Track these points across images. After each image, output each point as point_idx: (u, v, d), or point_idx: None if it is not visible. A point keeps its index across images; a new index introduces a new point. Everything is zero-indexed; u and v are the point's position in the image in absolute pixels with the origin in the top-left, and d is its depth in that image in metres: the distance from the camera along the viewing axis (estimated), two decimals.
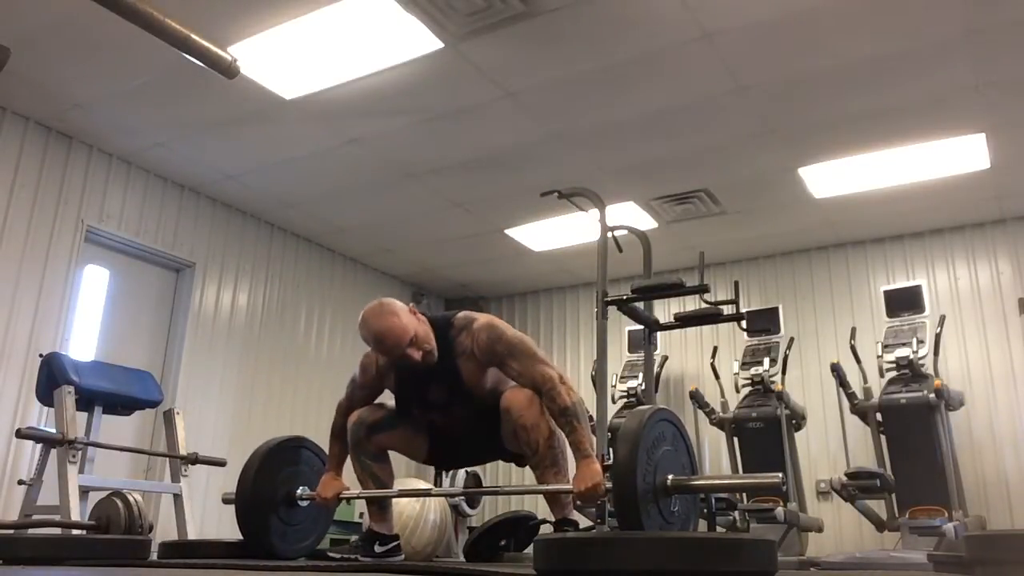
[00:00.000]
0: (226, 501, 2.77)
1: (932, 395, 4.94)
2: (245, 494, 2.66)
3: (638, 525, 1.96)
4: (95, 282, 5.19)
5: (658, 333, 4.31)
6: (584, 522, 2.73)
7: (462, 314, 2.62)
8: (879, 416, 5.19)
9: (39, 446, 3.57)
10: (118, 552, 2.38)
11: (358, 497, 2.67)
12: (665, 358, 6.23)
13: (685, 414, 6.32)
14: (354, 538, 2.76)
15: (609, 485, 2.16)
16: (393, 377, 2.68)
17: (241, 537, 2.68)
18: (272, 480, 2.73)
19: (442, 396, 2.61)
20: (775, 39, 3.96)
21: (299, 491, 2.76)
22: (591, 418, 5.62)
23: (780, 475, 2.14)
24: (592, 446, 2.35)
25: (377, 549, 2.63)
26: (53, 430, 3.44)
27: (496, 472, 7.25)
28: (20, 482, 3.63)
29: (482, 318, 2.59)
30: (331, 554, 2.57)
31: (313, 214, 6.05)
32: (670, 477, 2.12)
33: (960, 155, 5.01)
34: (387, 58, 4.11)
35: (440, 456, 2.81)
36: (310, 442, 2.95)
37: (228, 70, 3.87)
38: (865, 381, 5.38)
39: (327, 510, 2.84)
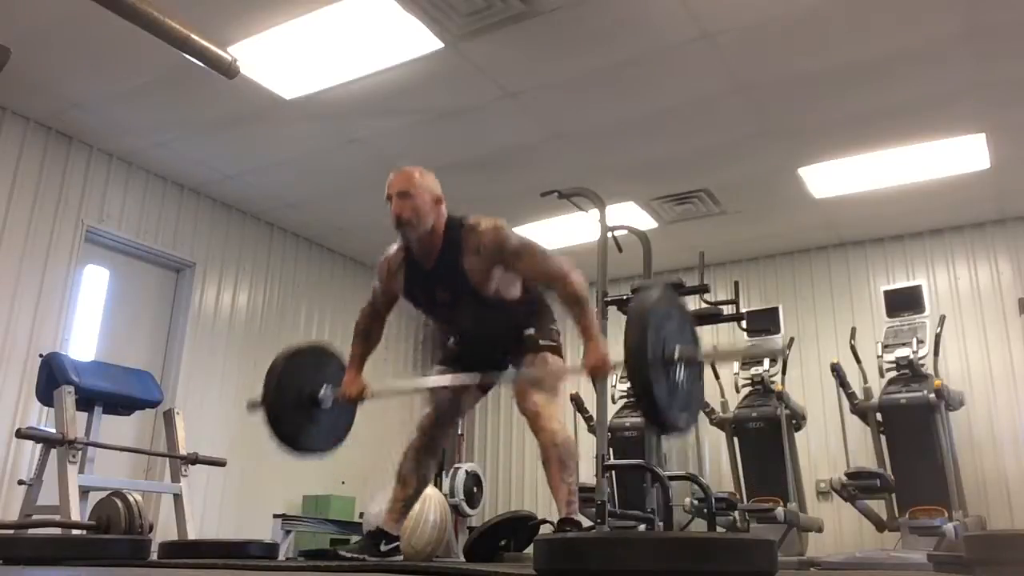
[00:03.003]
0: (251, 406, 2.81)
1: (932, 395, 4.94)
2: (272, 395, 2.75)
3: (649, 392, 2.13)
4: (95, 282, 5.19)
5: None
6: (585, 521, 2.74)
7: (473, 216, 2.66)
8: (879, 416, 5.19)
9: (39, 446, 3.57)
10: (118, 552, 2.38)
11: (383, 395, 2.78)
12: None
13: None
14: (356, 539, 2.77)
15: (617, 360, 2.32)
16: (401, 278, 2.72)
17: (245, 538, 2.69)
18: (296, 381, 2.80)
19: (447, 295, 2.64)
20: (775, 39, 3.96)
21: (323, 391, 2.81)
22: (590, 417, 5.63)
23: (779, 341, 2.29)
24: (599, 330, 2.52)
25: (382, 548, 2.65)
26: (53, 430, 3.44)
27: (496, 472, 7.26)
28: (20, 482, 3.63)
29: (490, 220, 2.64)
30: (342, 552, 2.59)
31: (313, 214, 6.05)
32: (677, 347, 2.26)
33: (960, 155, 5.01)
34: (387, 58, 4.11)
35: (461, 354, 2.82)
36: (330, 346, 3.04)
37: (228, 70, 3.88)
38: (865, 381, 5.37)
39: (350, 409, 2.91)
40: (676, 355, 2.25)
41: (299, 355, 2.89)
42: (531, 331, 2.69)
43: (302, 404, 2.81)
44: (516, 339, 2.71)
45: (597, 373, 2.49)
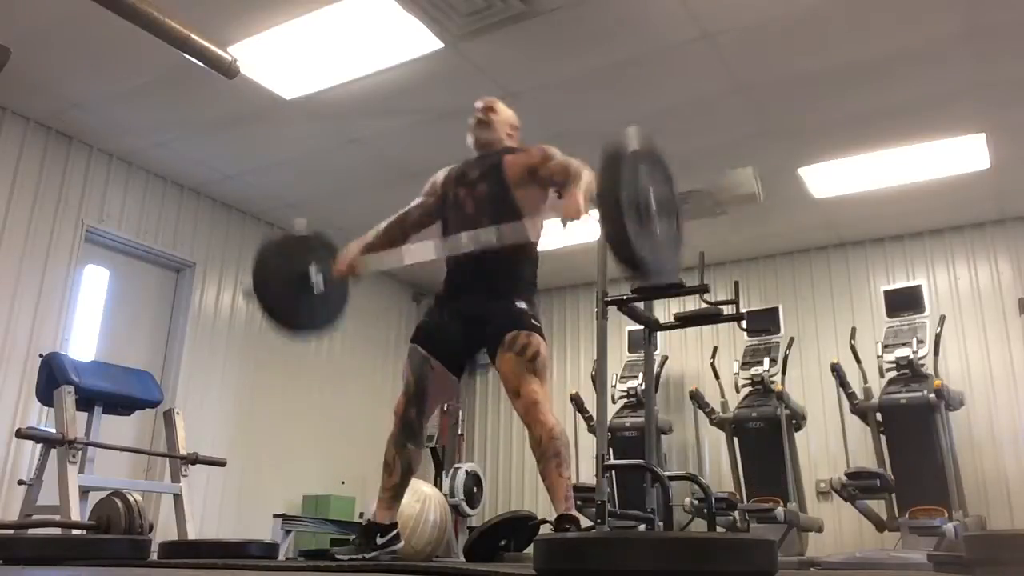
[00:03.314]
0: (246, 294, 2.89)
1: (932, 395, 4.94)
2: (263, 276, 2.83)
3: (624, 238, 2.17)
4: (95, 282, 5.20)
5: (658, 333, 4.31)
6: (585, 521, 2.73)
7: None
8: (879, 416, 5.19)
9: (39, 446, 3.57)
10: (118, 552, 2.38)
11: (373, 268, 2.90)
12: (665, 358, 6.23)
13: (685, 414, 6.33)
14: (353, 537, 2.76)
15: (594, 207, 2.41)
16: (445, 188, 2.88)
17: (245, 538, 2.68)
18: (287, 263, 2.88)
19: (477, 173, 2.81)
20: (775, 39, 3.96)
21: (312, 269, 2.88)
22: (590, 417, 5.63)
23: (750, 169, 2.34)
24: (588, 189, 2.53)
25: (379, 540, 2.62)
26: (53, 430, 3.43)
27: (496, 472, 7.26)
28: (20, 482, 3.63)
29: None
30: (339, 556, 2.57)
31: (313, 214, 6.02)
32: (651, 189, 2.33)
33: (960, 155, 5.01)
34: (387, 58, 4.11)
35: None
36: (322, 234, 3.09)
37: (228, 70, 3.88)
38: (865, 381, 5.38)
39: (343, 289, 2.98)
40: (649, 196, 2.33)
41: (290, 240, 3.01)
42: (523, 305, 2.68)
43: (294, 285, 2.86)
44: (506, 294, 2.70)
45: (571, 213, 2.53)
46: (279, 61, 4.16)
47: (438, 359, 2.73)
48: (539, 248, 2.88)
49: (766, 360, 5.67)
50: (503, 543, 2.99)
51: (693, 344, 6.66)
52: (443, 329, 2.75)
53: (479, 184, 2.81)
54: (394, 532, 2.69)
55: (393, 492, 2.70)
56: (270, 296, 2.83)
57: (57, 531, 3.17)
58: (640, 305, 3.77)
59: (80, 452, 3.46)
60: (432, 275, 8.40)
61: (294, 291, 2.84)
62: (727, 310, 3.70)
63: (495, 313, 2.68)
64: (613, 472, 4.95)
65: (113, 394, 3.79)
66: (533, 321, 2.67)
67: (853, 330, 5.55)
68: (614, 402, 6.10)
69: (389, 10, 3.74)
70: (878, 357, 5.28)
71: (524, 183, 2.76)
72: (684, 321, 3.79)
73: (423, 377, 2.72)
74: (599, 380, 3.70)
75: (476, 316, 2.70)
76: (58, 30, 3.98)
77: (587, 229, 2.75)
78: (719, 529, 4.81)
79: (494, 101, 2.97)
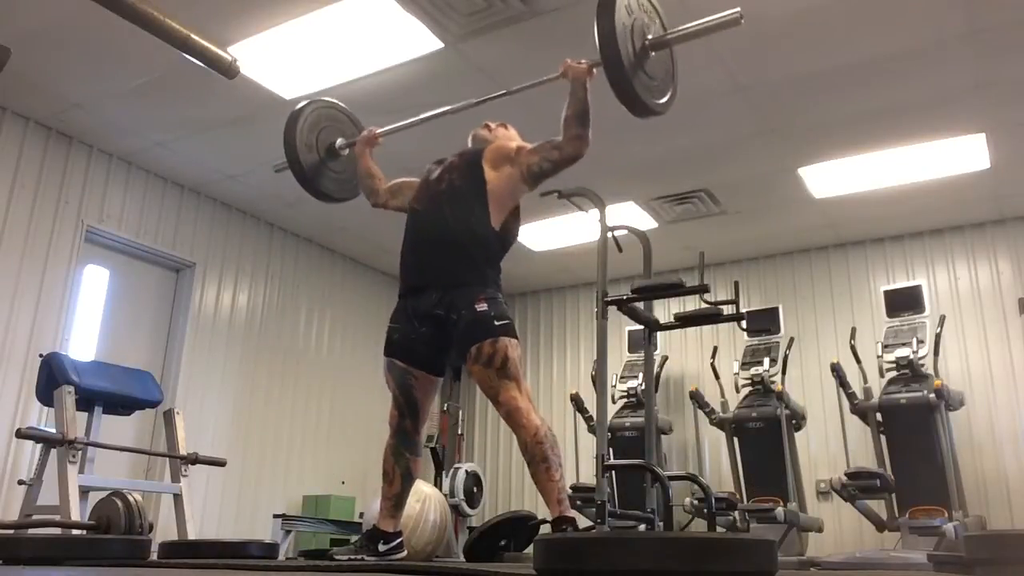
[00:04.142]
0: (278, 169, 3.28)
1: (932, 395, 4.94)
2: (293, 147, 3.20)
3: (631, 90, 2.56)
4: (95, 282, 5.20)
5: (658, 333, 4.31)
6: (584, 521, 2.73)
7: None
8: (879, 416, 5.19)
9: (39, 446, 3.57)
10: (118, 552, 2.38)
11: (391, 132, 3.21)
12: (665, 358, 6.23)
13: (685, 414, 6.33)
14: (355, 538, 2.75)
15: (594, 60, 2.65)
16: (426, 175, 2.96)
17: (245, 538, 2.68)
18: (313, 135, 3.26)
19: (457, 156, 2.91)
20: (775, 39, 3.96)
21: (338, 141, 3.28)
22: (590, 417, 5.63)
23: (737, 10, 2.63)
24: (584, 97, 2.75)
25: (381, 548, 2.62)
26: (53, 430, 3.43)
27: (496, 472, 7.26)
28: (20, 482, 3.63)
29: None
30: (337, 556, 2.57)
31: (313, 214, 6.05)
32: (648, 37, 2.62)
33: (960, 155, 5.01)
34: (387, 58, 4.11)
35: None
36: (343, 106, 3.44)
37: (228, 70, 3.87)
38: (865, 381, 5.38)
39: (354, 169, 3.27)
40: (647, 40, 2.59)
41: (317, 108, 3.33)
42: (483, 306, 2.57)
43: (320, 153, 3.25)
44: (464, 285, 2.64)
45: (573, 72, 2.75)
46: (279, 61, 4.16)
47: (416, 367, 2.69)
48: (514, 241, 2.85)
49: (766, 360, 5.67)
50: (503, 543, 2.99)
51: (693, 344, 6.67)
52: (411, 336, 2.69)
53: (454, 161, 2.88)
54: (397, 541, 2.69)
55: (394, 501, 2.70)
56: (299, 161, 3.17)
57: (57, 531, 3.17)
58: (640, 305, 3.77)
59: (80, 452, 3.46)
60: None
61: (322, 157, 3.24)
62: (727, 310, 3.69)
63: (459, 319, 2.59)
64: (613, 472, 4.95)
65: (113, 394, 3.79)
66: (496, 323, 2.56)
67: (853, 330, 5.55)
68: (614, 402, 6.10)
69: (389, 10, 3.74)
70: (878, 357, 5.28)
71: (500, 162, 2.81)
72: (684, 321, 3.79)
73: (408, 388, 2.70)
74: (599, 380, 3.70)
75: (438, 316, 2.62)
76: (58, 30, 3.97)
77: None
78: (719, 529, 4.81)
79: (506, 124, 3.10)
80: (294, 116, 3.26)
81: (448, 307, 2.61)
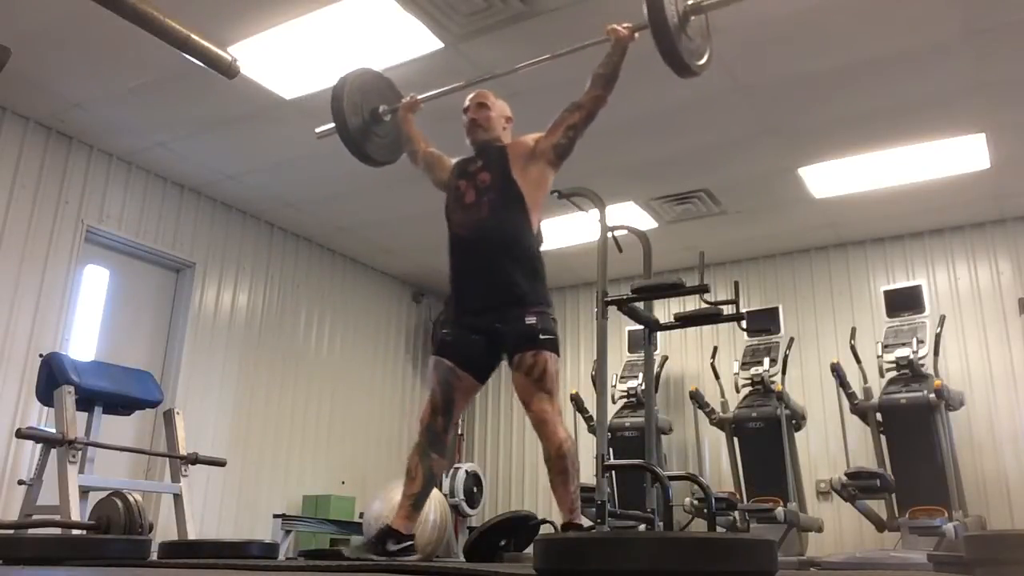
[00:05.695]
0: (320, 135, 3.43)
1: (932, 395, 4.94)
2: (341, 112, 3.31)
3: (676, 51, 2.74)
4: (95, 282, 5.19)
5: (658, 333, 4.31)
6: (585, 521, 2.74)
7: None
8: (879, 416, 5.19)
9: (39, 446, 3.57)
10: (118, 552, 2.38)
11: (430, 99, 3.35)
12: (665, 358, 6.23)
13: (685, 414, 6.33)
14: (355, 538, 2.75)
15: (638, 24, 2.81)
16: (452, 171, 3.06)
17: (245, 538, 2.68)
18: (359, 99, 3.39)
19: (479, 164, 2.96)
20: (775, 39, 3.96)
21: (381, 108, 3.40)
22: (590, 417, 5.63)
23: None
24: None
25: (390, 547, 2.60)
26: (53, 430, 3.44)
27: (496, 472, 7.26)
28: (20, 482, 3.63)
29: None
30: (344, 552, 2.57)
31: (313, 214, 6.05)
32: (688, 2, 2.77)
33: (960, 155, 5.02)
34: (387, 58, 4.11)
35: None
36: (383, 75, 3.58)
37: (228, 70, 3.87)
38: (865, 381, 5.38)
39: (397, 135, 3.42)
40: (688, 4, 2.75)
41: (364, 75, 3.47)
42: (532, 319, 2.73)
43: (365, 116, 3.38)
44: (516, 303, 2.76)
45: (616, 35, 2.90)
46: (279, 61, 4.16)
47: (463, 368, 2.79)
48: (543, 244, 2.94)
49: (766, 360, 5.67)
50: (503, 543, 2.99)
51: (693, 344, 6.67)
52: (464, 341, 2.82)
53: (480, 173, 2.91)
54: (408, 544, 2.67)
55: (413, 500, 2.71)
56: (347, 126, 3.29)
57: (57, 531, 3.17)
58: (640, 305, 3.77)
59: (80, 452, 3.46)
60: (432, 275, 8.44)
61: (366, 120, 3.37)
62: (727, 310, 3.69)
63: (509, 329, 2.75)
64: (613, 472, 4.95)
65: (113, 394, 3.79)
66: (541, 336, 2.73)
67: (853, 330, 5.55)
68: (614, 402, 6.10)
69: (389, 10, 3.74)
70: (878, 357, 5.28)
71: (527, 164, 2.89)
72: (684, 321, 3.78)
73: (450, 387, 2.78)
74: (599, 380, 3.70)
75: (493, 330, 2.78)
76: (58, 30, 3.97)
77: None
78: (719, 529, 4.81)
79: (486, 95, 3.07)
80: (341, 82, 3.38)
81: (503, 320, 2.77)
